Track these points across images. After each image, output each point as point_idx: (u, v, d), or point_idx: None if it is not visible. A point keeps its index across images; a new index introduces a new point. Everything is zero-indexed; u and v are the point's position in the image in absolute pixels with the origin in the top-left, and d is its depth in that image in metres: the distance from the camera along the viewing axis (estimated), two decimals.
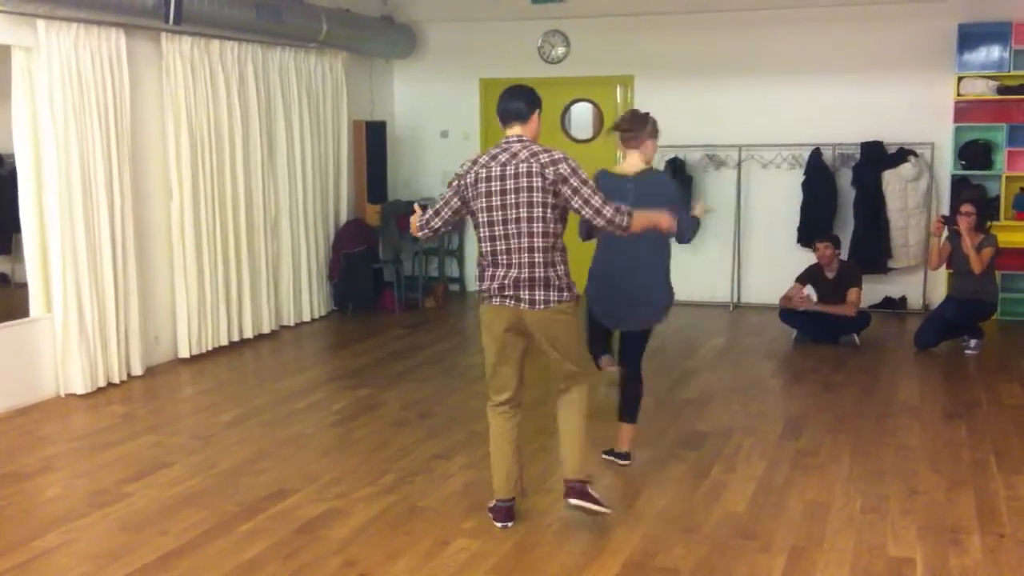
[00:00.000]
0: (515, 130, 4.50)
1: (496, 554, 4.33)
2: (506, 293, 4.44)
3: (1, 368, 6.54)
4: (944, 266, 8.47)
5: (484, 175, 4.43)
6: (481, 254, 4.55)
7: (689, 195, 10.02)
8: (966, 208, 7.97)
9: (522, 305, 4.43)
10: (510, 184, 4.38)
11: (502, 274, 4.44)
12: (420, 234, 4.63)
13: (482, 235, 4.50)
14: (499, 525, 4.63)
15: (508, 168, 4.39)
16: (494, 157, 4.45)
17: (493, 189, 4.40)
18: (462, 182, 4.50)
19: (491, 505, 4.72)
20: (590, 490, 4.58)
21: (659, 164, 10.07)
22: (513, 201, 4.38)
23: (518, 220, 4.38)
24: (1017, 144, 9.27)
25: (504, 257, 4.43)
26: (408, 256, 10.58)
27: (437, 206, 4.59)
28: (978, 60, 9.31)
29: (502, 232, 4.42)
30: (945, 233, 8.16)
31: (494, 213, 4.41)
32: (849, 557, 4.27)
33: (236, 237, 8.44)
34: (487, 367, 4.64)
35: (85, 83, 6.86)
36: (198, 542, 4.48)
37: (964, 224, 7.93)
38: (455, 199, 4.54)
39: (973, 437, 5.92)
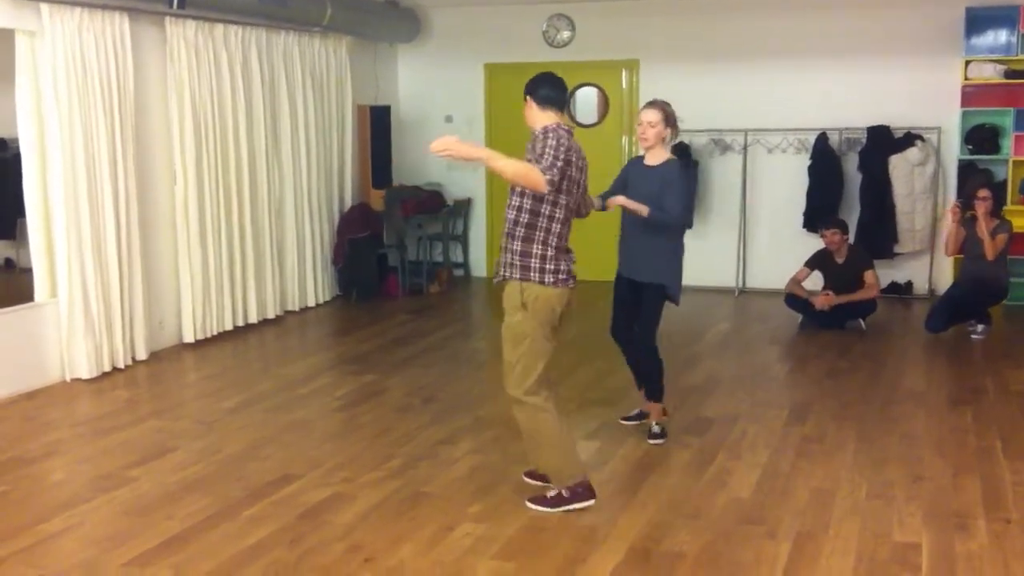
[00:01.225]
0: (555, 118, 4.50)
1: (501, 539, 4.33)
2: (572, 274, 4.55)
3: (6, 353, 6.55)
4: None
5: (575, 159, 4.43)
6: (554, 235, 4.42)
7: (695, 180, 9.99)
8: (983, 193, 7.97)
9: (572, 283, 4.56)
10: (582, 174, 4.53)
11: (571, 257, 4.54)
12: (548, 188, 4.25)
13: (559, 216, 4.42)
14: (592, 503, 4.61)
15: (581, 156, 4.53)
16: (572, 139, 4.46)
17: (575, 176, 4.45)
18: (571, 156, 4.40)
19: (580, 486, 4.59)
20: None
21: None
22: (579, 190, 4.53)
23: (576, 206, 4.56)
24: None
25: (567, 241, 4.54)
26: (412, 241, 10.56)
27: (560, 162, 4.29)
28: (986, 44, 9.26)
29: (569, 216, 4.53)
30: (952, 219, 8.15)
31: (574, 197, 4.50)
32: (855, 543, 4.27)
33: (240, 222, 8.43)
34: (542, 356, 4.44)
35: (89, 67, 6.84)
36: (203, 527, 4.48)
37: (981, 209, 7.93)
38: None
39: (979, 423, 5.91)
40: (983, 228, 7.90)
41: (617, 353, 5.80)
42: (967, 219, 8.09)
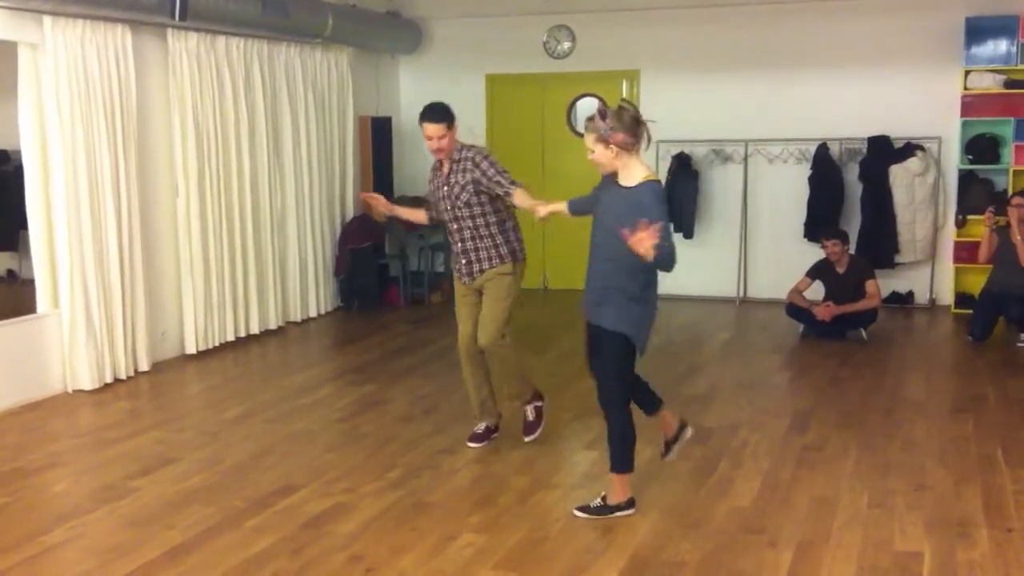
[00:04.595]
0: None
1: (502, 549, 4.33)
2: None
3: (8, 364, 6.56)
4: (952, 260, 8.47)
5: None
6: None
7: (696, 190, 10.02)
8: (1016, 200, 8.07)
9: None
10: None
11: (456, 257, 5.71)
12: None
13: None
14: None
15: None
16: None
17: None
18: None
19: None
20: None
21: (665, 159, 10.11)
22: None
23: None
24: None
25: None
26: (414, 252, 10.58)
27: None
28: (985, 54, 9.28)
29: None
30: (987, 224, 8.21)
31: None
32: (856, 552, 4.27)
33: (242, 233, 8.45)
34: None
35: (91, 79, 6.87)
36: (205, 537, 4.48)
37: (1015, 216, 8.01)
38: None
39: (980, 431, 5.90)
40: (1016, 234, 7.97)
41: None
42: (1000, 227, 8.15)
